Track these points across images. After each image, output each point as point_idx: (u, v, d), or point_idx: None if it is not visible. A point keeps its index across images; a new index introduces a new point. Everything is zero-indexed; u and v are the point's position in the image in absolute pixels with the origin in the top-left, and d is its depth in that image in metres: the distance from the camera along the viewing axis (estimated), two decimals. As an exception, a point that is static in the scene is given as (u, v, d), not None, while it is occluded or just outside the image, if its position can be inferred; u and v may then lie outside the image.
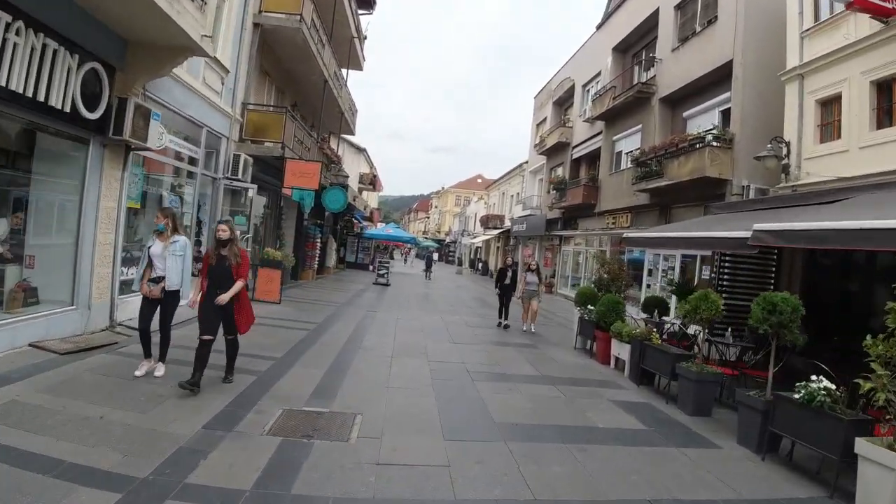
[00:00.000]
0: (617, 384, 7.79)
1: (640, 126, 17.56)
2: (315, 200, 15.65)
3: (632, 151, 17.94)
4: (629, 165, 17.85)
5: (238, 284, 5.39)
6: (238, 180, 10.75)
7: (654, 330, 8.26)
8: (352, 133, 23.49)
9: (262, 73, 13.12)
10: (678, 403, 6.77)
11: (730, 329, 8.35)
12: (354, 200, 21.60)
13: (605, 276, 10.53)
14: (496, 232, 35.97)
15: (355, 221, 32.72)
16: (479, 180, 75.87)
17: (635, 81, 18.69)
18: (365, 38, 22.12)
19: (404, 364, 7.51)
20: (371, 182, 40.73)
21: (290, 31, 11.97)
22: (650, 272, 15.78)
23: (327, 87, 15.39)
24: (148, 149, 7.29)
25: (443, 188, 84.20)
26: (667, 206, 16.00)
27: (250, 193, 10.80)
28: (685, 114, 15.94)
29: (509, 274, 13.26)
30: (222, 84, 10.30)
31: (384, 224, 40.25)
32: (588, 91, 23.30)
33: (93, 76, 6.28)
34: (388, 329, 10.07)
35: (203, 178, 10.19)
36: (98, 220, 6.89)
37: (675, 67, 15.96)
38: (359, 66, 22.47)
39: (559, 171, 25.54)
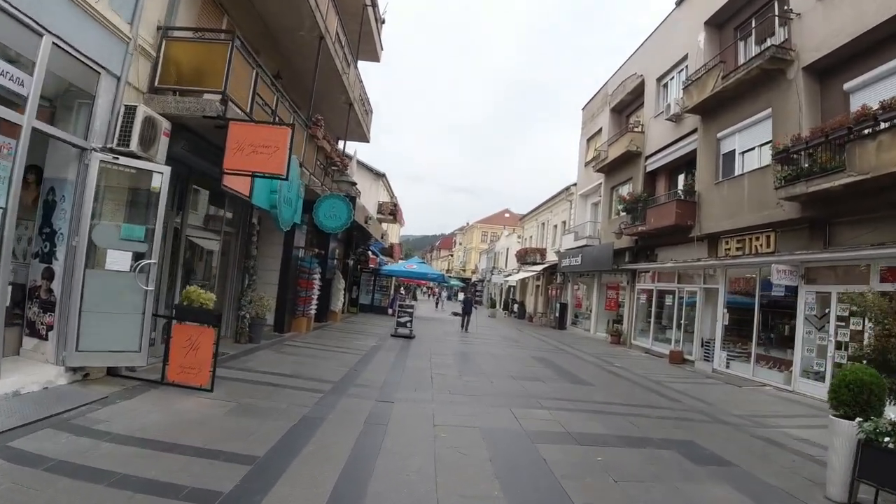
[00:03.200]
0: None
1: (767, 111, 12.31)
2: (308, 215, 10.63)
3: (752, 149, 12.70)
4: (754, 167, 12.54)
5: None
6: (134, 156, 5.73)
7: None
8: (365, 139, 18.69)
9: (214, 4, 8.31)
10: None
11: None
12: (367, 224, 16.52)
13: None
14: (539, 268, 30.51)
15: (371, 255, 27.69)
16: (507, 214, 71.14)
17: (741, 60, 13.58)
18: (383, 21, 17.55)
19: None
20: (392, 212, 35.94)
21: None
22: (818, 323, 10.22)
23: (324, 46, 10.56)
24: None
25: (467, 224, 79.47)
26: (823, 223, 10.60)
27: (156, 182, 5.74)
28: (847, 85, 10.74)
29: None
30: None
31: (406, 259, 35.07)
32: (666, 85, 18.22)
33: None
34: (419, 460, 4.69)
35: (52, 146, 5.22)
36: None
37: (824, 23, 10.90)
38: (375, 56, 17.83)
39: (624, 189, 20.24)
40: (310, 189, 11.46)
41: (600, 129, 24.01)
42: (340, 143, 16.66)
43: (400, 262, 32.62)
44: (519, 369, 11.05)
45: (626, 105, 21.89)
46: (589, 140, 25.90)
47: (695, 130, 15.44)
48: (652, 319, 16.92)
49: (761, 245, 11.41)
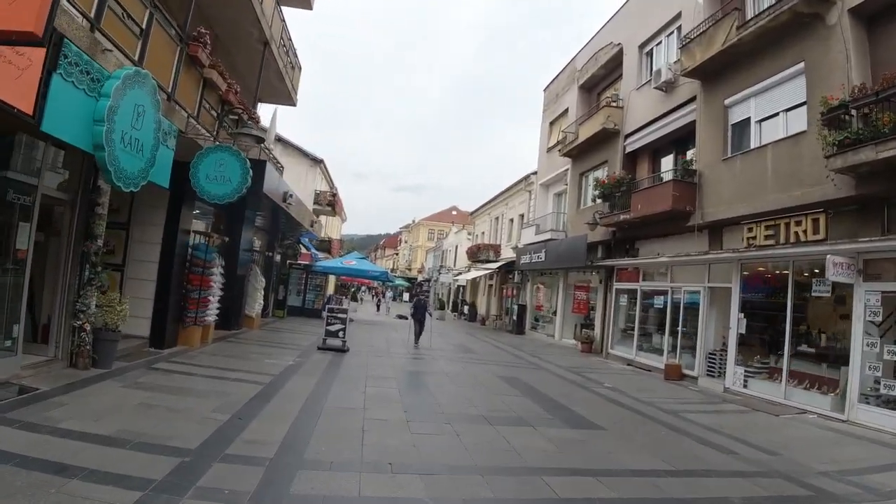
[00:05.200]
0: None
1: (797, 66, 9.82)
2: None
3: (774, 115, 10.22)
4: (779, 137, 10.02)
5: None
6: None
7: None
8: (291, 101, 15.00)
9: None
10: None
11: None
12: (287, 204, 12.86)
13: None
14: (493, 266, 27.60)
15: (303, 249, 23.93)
16: (455, 212, 68.31)
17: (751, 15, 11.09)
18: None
19: None
20: (330, 203, 32.13)
21: None
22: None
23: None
24: None
25: (413, 221, 76.09)
26: (880, 202, 8.19)
27: None
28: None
29: None
30: None
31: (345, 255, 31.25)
32: (651, 53, 15.65)
33: None
34: None
35: None
36: None
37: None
38: (306, 3, 14.22)
39: (597, 175, 17.59)
40: (191, 141, 7.86)
41: (566, 110, 21.35)
42: (263, 113, 12.96)
43: (337, 257, 28.90)
44: (490, 402, 7.86)
45: (599, 80, 19.28)
46: (552, 123, 23.23)
47: (692, 100, 12.87)
48: (636, 325, 14.23)
49: (804, 231, 8.78)
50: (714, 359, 11.19)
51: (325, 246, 33.65)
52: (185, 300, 10.44)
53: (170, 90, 7.46)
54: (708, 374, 11.20)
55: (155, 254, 9.81)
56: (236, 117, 10.08)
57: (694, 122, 12.82)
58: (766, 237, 9.47)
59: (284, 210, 13.43)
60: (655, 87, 14.14)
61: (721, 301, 11.43)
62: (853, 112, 8.05)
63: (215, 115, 9.28)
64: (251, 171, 7.80)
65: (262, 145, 9.93)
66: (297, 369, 8.99)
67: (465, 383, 9.25)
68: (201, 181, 7.47)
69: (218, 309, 11.73)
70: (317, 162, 31.08)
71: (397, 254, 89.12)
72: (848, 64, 8.83)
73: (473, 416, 6.67)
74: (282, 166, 17.48)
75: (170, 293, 9.80)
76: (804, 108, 9.57)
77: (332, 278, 37.43)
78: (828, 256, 7.88)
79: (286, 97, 14.94)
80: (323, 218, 36.06)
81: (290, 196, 12.78)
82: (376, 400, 7.15)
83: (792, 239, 8.97)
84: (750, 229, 9.89)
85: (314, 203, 30.72)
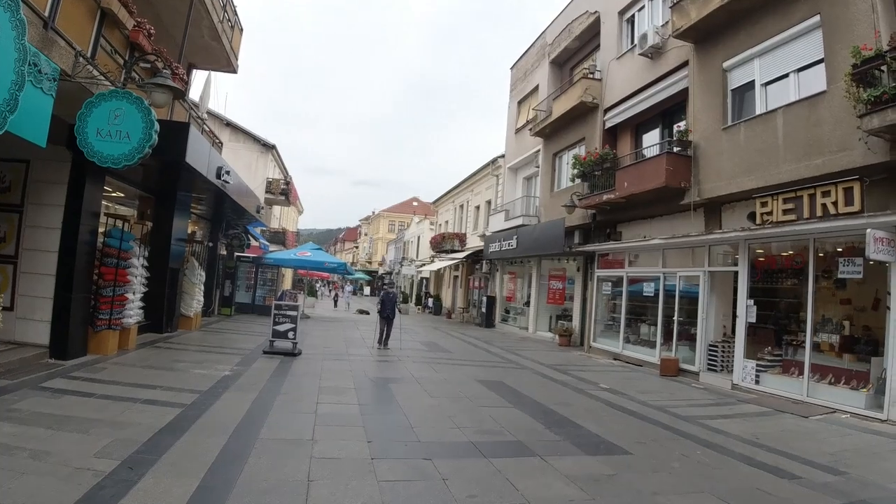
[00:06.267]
0: None
1: (810, 21, 8.65)
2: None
3: (784, 76, 9.06)
4: (792, 100, 8.84)
5: None
6: None
7: None
8: (230, 67, 12.89)
9: None
10: None
11: None
12: (223, 179, 10.82)
13: None
14: (459, 256, 26.06)
15: (253, 240, 21.79)
16: (416, 203, 66.55)
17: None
18: None
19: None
20: (283, 192, 29.91)
21: None
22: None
23: None
24: None
25: (373, 212, 73.86)
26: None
27: None
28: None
29: None
30: None
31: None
32: (633, 20, 14.34)
33: None
34: None
35: None
36: None
37: None
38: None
39: (576, 153, 16.25)
40: (82, 90, 5.93)
41: (536, 87, 19.96)
42: (199, 86, 10.90)
43: (291, 249, 26.80)
44: (477, 419, 6.30)
45: (572, 54, 17.94)
46: (521, 102, 21.81)
47: (682, 65, 11.63)
48: (622, 315, 12.96)
49: (833, 203, 7.56)
50: (715, 352, 10.00)
51: (280, 238, 31.40)
52: (97, 299, 8.51)
53: (48, 14, 5.53)
54: (710, 369, 10.00)
55: (54, 241, 7.84)
56: (149, 65, 8.10)
57: (685, 90, 11.60)
58: (785, 212, 8.23)
59: (223, 192, 11.45)
60: (640, 54, 12.83)
61: (723, 287, 10.26)
62: (891, 62, 6.85)
63: (122, 61, 7.31)
64: (158, 126, 5.92)
65: (192, 110, 7.95)
66: (233, 382, 7.21)
67: (442, 393, 7.66)
68: (90, 138, 5.55)
69: (142, 308, 9.78)
70: (268, 148, 28.76)
71: (357, 247, 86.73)
72: (874, 14, 7.66)
73: (460, 445, 5.09)
74: (220, 142, 15.41)
75: (73, 290, 7.86)
76: (821, 66, 8.39)
77: (289, 273, 35.15)
78: (868, 231, 6.68)
79: (225, 62, 12.86)
80: (277, 208, 33.69)
81: (227, 173, 10.82)
82: (330, 424, 5.48)
83: (819, 213, 7.74)
84: (764, 203, 8.65)
85: (266, 192, 28.44)
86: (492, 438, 5.36)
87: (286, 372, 8.35)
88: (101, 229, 8.71)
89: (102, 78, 6.12)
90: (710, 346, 10.13)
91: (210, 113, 22.70)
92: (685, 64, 11.50)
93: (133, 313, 9.37)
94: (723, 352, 9.85)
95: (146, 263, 9.84)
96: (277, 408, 6.03)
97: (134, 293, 9.35)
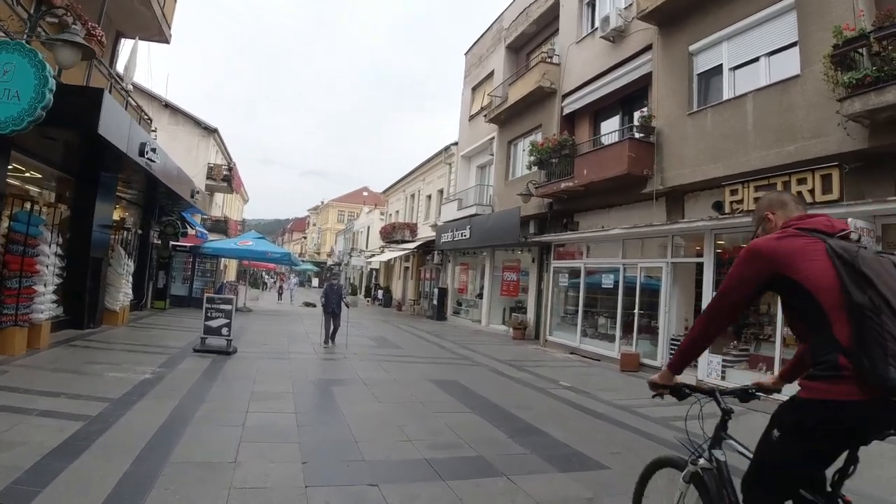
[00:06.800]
0: None
1: (786, 1, 8.22)
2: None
3: (754, 60, 8.72)
4: (762, 84, 8.48)
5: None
6: None
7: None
8: (163, 37, 11.32)
9: None
10: None
11: None
12: (148, 157, 9.48)
13: None
14: (410, 246, 25.15)
15: (189, 228, 20.08)
16: (366, 193, 65.05)
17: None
18: None
19: None
20: (226, 178, 28.06)
21: None
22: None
23: None
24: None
25: (322, 202, 71.65)
26: (893, 158, 6.85)
27: None
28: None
29: None
30: None
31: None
32: (592, 3, 13.83)
33: None
34: None
35: None
36: None
37: None
38: None
39: (532, 140, 15.67)
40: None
41: (492, 73, 19.29)
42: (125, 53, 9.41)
43: (233, 238, 25.13)
44: (431, 428, 5.51)
45: (529, 39, 17.35)
46: (475, 89, 21.11)
47: (646, 49, 11.20)
48: (580, 308, 12.49)
49: (810, 191, 7.20)
50: (677, 346, 9.62)
51: (221, 227, 29.44)
52: (0, 291, 7.11)
53: None
54: (670, 364, 9.62)
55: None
56: (57, 20, 6.79)
57: (646, 76, 11.19)
58: (756, 200, 7.85)
59: (153, 175, 10.11)
60: (602, 37, 12.32)
61: (685, 279, 9.90)
62: (872, 44, 6.51)
63: (26, 15, 6.00)
64: (53, 84, 4.75)
65: (114, 80, 6.68)
66: (152, 387, 6.11)
67: (390, 397, 6.82)
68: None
69: (56, 302, 8.40)
70: (210, 131, 26.75)
71: (305, 237, 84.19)
72: (851, -5, 7.34)
73: (412, 464, 4.29)
74: (149, 118, 13.87)
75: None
76: (794, 50, 8.05)
77: (234, 264, 33.11)
78: (849, 220, 6.32)
79: (156, 30, 11.37)
80: (220, 196, 31.58)
81: (153, 150, 9.50)
82: (259, 440, 4.56)
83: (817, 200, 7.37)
84: (734, 191, 8.28)
85: (208, 178, 26.54)
86: (449, 454, 4.59)
87: (216, 374, 7.28)
88: (6, 212, 7.37)
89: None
90: (673, 339, 9.76)
91: (147, 92, 20.74)
92: (648, 48, 11.07)
93: (45, 307, 8.00)
94: (685, 346, 9.49)
95: (61, 252, 8.46)
96: (198, 420, 5.03)
97: (45, 285, 7.98)
